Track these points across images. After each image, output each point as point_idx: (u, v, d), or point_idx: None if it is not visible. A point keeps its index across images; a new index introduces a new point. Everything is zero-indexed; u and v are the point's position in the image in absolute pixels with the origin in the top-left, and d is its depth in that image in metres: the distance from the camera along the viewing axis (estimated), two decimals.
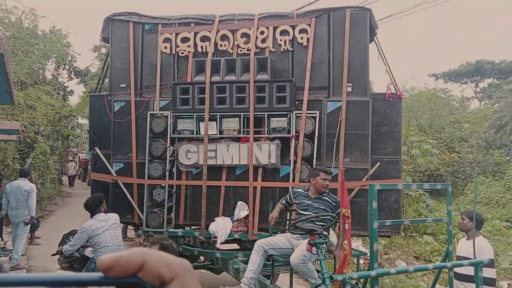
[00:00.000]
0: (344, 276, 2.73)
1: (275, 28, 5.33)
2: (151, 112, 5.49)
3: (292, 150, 5.11)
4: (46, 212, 12.58)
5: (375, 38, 5.38)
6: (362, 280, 3.59)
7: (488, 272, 3.61)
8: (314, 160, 5.06)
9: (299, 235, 4.09)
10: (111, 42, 5.74)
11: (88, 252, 4.44)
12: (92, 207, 4.35)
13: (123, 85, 5.66)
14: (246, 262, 5.11)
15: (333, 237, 4.22)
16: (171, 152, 5.41)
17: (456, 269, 3.70)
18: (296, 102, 5.14)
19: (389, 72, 5.36)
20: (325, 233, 4.31)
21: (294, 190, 4.42)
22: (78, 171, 23.41)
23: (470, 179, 17.79)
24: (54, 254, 4.69)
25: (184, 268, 0.41)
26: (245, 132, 5.20)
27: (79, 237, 4.23)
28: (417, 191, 10.78)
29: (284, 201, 4.46)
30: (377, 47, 5.43)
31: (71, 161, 21.93)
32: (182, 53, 5.53)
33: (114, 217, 4.44)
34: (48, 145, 13.70)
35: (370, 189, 2.86)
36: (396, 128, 5.13)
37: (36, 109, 11.63)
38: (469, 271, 3.69)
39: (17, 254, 6.60)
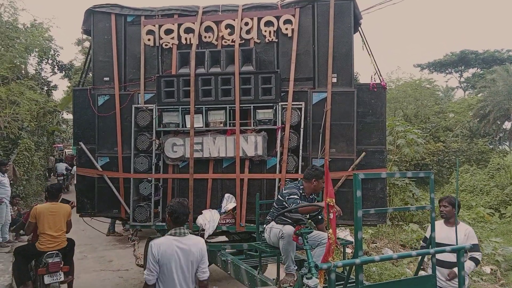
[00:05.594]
0: (329, 264, 2.75)
1: (259, 19, 5.30)
2: (135, 105, 5.44)
3: (278, 141, 5.12)
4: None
5: (359, 28, 5.39)
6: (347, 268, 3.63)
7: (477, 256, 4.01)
8: (300, 151, 5.08)
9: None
10: (92, 35, 5.64)
11: None
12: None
13: (107, 79, 5.58)
14: (234, 254, 5.14)
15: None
16: (157, 145, 5.38)
17: (438, 256, 3.80)
18: (282, 94, 5.14)
19: (373, 63, 5.39)
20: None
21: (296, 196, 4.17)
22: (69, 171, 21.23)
23: (455, 167, 18.11)
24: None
25: None
26: (231, 124, 5.19)
27: None
28: (403, 180, 10.92)
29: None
30: (362, 37, 5.45)
31: (60, 161, 19.68)
32: (166, 45, 5.47)
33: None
34: (33, 141, 13.45)
35: (354, 178, 2.87)
36: (381, 118, 5.17)
37: (19, 105, 11.38)
38: (451, 257, 3.80)
39: None
